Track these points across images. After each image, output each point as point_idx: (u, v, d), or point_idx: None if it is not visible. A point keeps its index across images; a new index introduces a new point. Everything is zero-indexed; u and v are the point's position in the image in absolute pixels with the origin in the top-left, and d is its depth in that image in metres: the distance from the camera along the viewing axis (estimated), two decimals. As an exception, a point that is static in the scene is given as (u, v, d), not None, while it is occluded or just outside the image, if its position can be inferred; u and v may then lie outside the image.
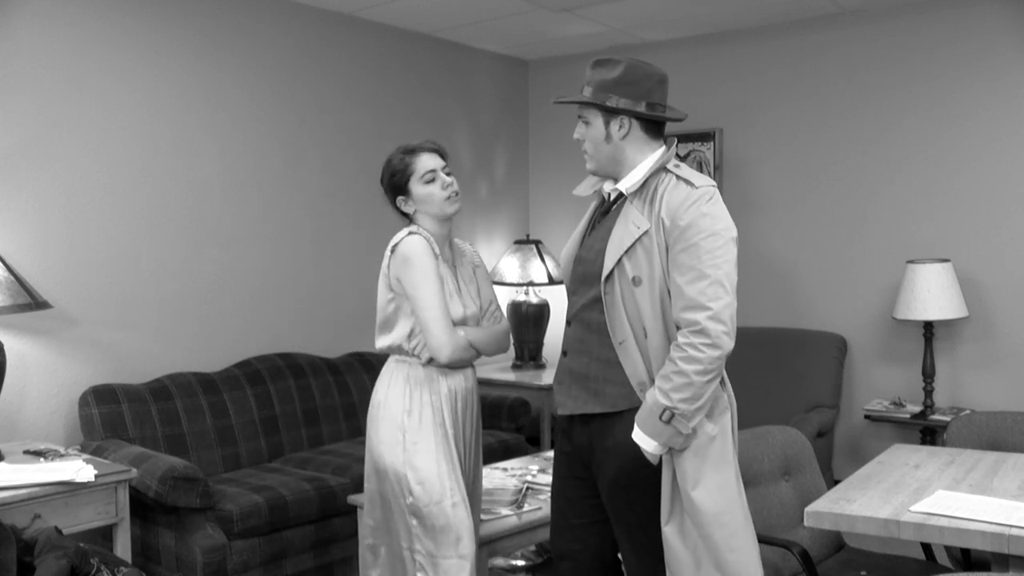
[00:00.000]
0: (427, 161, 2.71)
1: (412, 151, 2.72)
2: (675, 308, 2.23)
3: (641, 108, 2.33)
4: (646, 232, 2.27)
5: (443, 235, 2.77)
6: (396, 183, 2.72)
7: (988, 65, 4.55)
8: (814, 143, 5.06)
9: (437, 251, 2.69)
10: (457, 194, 2.72)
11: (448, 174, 2.72)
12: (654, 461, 2.27)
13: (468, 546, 2.60)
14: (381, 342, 2.77)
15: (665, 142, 2.43)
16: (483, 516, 2.95)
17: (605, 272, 2.31)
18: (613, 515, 2.40)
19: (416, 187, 2.69)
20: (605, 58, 2.38)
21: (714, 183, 2.31)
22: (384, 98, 5.15)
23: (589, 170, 2.46)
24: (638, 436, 2.26)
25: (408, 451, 2.63)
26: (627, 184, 2.37)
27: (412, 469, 2.61)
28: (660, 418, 2.20)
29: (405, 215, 2.77)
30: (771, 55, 5.18)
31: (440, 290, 2.64)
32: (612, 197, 2.44)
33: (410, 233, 2.68)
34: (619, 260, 2.29)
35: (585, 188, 2.56)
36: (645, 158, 2.38)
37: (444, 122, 5.48)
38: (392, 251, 2.68)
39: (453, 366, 2.70)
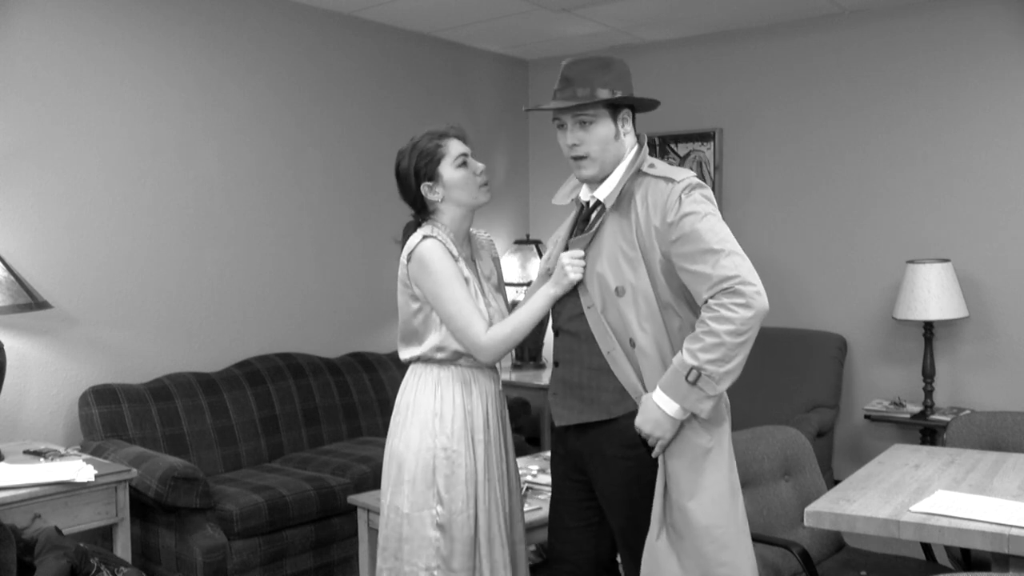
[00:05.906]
0: (458, 145, 2.54)
1: (443, 135, 2.54)
2: (702, 294, 2.16)
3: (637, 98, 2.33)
4: (628, 241, 2.25)
5: (464, 230, 2.58)
6: (425, 167, 2.50)
7: (988, 65, 4.55)
8: (814, 143, 5.06)
9: (456, 252, 2.49)
10: (488, 183, 2.56)
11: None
12: (667, 435, 2.19)
13: (491, 554, 2.50)
14: (408, 352, 2.57)
15: (638, 139, 2.39)
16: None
17: (587, 284, 2.30)
18: (611, 520, 2.38)
19: (448, 171, 2.50)
20: (590, 56, 2.33)
21: (693, 173, 2.28)
22: (384, 98, 5.15)
23: (589, 176, 2.34)
24: (659, 398, 2.17)
25: (438, 457, 2.47)
26: (605, 192, 2.33)
27: (443, 476, 2.47)
28: (686, 378, 2.12)
29: (423, 210, 2.55)
30: (771, 55, 5.18)
31: (466, 290, 2.45)
32: (592, 204, 2.39)
33: (424, 237, 2.46)
34: (601, 272, 2.27)
35: (562, 197, 2.49)
36: (626, 154, 2.35)
37: (444, 122, 5.46)
38: (408, 259, 2.48)
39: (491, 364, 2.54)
